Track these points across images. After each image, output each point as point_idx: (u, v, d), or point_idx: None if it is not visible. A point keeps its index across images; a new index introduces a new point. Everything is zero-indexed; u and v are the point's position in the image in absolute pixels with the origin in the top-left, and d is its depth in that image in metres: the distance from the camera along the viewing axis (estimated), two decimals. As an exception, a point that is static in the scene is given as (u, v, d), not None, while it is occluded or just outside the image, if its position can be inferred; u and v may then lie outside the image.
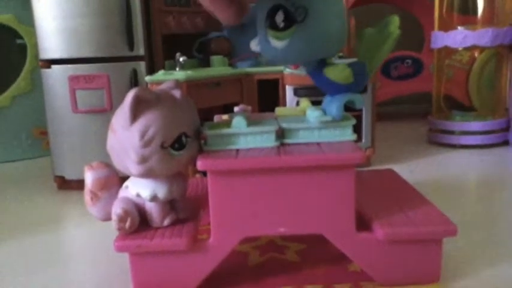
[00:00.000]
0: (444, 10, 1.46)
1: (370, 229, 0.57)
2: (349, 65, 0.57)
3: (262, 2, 0.55)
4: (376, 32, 0.60)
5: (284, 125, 0.59)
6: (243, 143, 0.57)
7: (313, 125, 0.58)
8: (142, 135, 0.55)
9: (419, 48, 1.87)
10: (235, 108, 0.71)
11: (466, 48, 1.37)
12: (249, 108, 0.73)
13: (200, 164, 0.55)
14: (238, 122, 0.58)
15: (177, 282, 0.58)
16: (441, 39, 1.30)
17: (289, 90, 1.24)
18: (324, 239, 0.57)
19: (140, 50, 1.34)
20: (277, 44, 0.53)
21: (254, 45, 0.59)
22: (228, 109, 0.91)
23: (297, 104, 1.16)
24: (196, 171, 0.87)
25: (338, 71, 0.56)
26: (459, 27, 1.39)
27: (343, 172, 0.54)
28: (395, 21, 0.60)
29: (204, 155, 0.56)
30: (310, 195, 0.55)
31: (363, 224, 0.58)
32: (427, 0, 1.76)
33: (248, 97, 1.32)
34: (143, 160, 0.56)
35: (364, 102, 0.59)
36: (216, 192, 0.56)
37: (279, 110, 0.72)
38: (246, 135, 0.57)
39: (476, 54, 1.40)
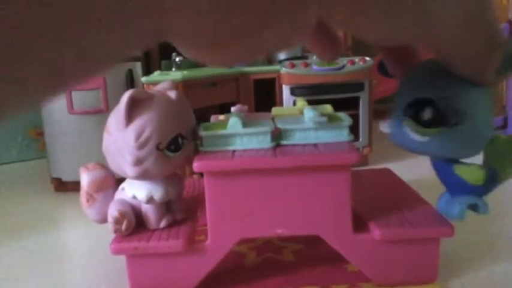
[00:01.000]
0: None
1: (367, 229, 0.57)
2: (483, 167, 0.53)
3: (407, 82, 0.53)
4: (508, 141, 0.54)
5: (280, 126, 0.58)
6: (239, 144, 0.57)
7: (310, 125, 0.58)
8: (138, 136, 0.54)
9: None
10: (233, 108, 0.71)
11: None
12: (246, 107, 0.72)
13: (196, 165, 0.54)
14: (234, 123, 0.57)
15: (174, 284, 0.58)
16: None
17: (286, 90, 1.24)
18: (322, 240, 0.57)
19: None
20: (417, 137, 0.47)
21: (384, 127, 0.56)
22: (224, 109, 0.91)
23: (294, 103, 1.15)
24: (192, 172, 0.87)
25: (471, 171, 0.52)
26: (455, 25, 1.39)
27: (339, 172, 0.53)
28: None
29: (200, 156, 0.56)
30: (307, 196, 0.54)
31: (359, 224, 0.58)
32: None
33: (244, 97, 1.31)
34: (139, 162, 0.55)
35: (488, 209, 0.56)
36: (212, 194, 0.56)
37: (275, 110, 0.71)
38: (242, 136, 0.57)
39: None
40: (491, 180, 0.53)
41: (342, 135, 0.58)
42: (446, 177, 0.55)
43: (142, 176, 0.57)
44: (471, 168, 0.52)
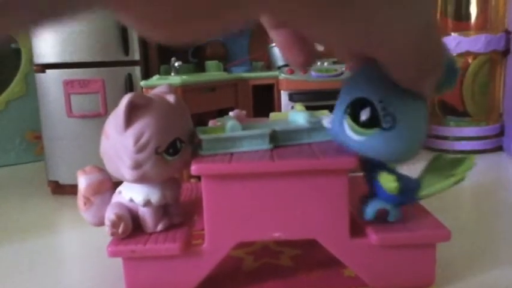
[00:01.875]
0: (438, 15, 1.48)
1: (364, 234, 0.57)
2: (402, 178, 0.54)
3: (351, 82, 0.51)
4: (448, 162, 0.57)
5: (276, 128, 0.59)
6: (238, 147, 0.57)
7: (303, 126, 0.59)
8: (137, 140, 0.54)
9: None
10: (230, 113, 0.71)
11: (460, 54, 1.38)
12: (244, 112, 0.73)
13: (194, 169, 0.55)
14: (233, 126, 0.58)
15: (171, 287, 0.58)
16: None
17: (284, 96, 1.24)
18: (319, 244, 0.57)
19: (135, 55, 1.34)
20: (353, 135, 0.49)
21: (326, 123, 0.55)
22: (222, 114, 0.92)
23: (292, 109, 1.16)
24: (190, 176, 0.87)
25: (387, 180, 0.53)
26: (453, 34, 1.40)
27: (337, 177, 0.54)
28: (469, 164, 0.56)
29: (197, 159, 0.56)
30: (304, 199, 0.55)
31: (356, 229, 0.58)
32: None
33: (243, 102, 1.32)
34: (137, 165, 0.55)
35: (397, 218, 0.57)
36: (210, 197, 0.56)
37: (273, 115, 0.72)
38: (240, 139, 0.57)
39: (470, 60, 1.41)
40: (409, 193, 0.54)
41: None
42: (368, 178, 0.57)
43: (141, 179, 0.57)
44: (389, 177, 0.53)
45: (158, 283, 0.58)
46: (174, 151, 0.56)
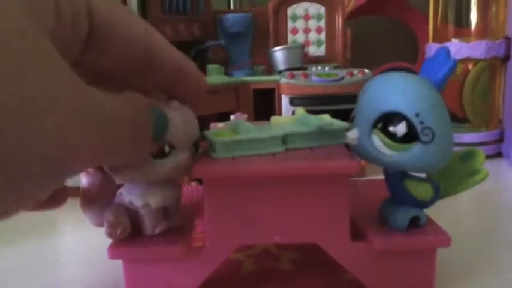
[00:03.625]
0: (439, 22, 1.48)
1: (365, 239, 0.57)
2: (427, 181, 0.54)
3: (374, 93, 0.50)
4: (457, 159, 0.56)
5: (286, 131, 0.58)
6: (253, 149, 0.56)
7: (313, 130, 0.59)
8: None
9: (413, 59, 1.89)
10: (232, 116, 0.71)
11: (460, 60, 1.38)
12: (245, 116, 0.73)
13: (195, 172, 0.54)
14: (246, 128, 0.57)
15: (170, 290, 0.58)
16: (436, 51, 1.32)
17: (285, 100, 1.25)
18: (319, 248, 0.57)
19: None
20: (387, 150, 0.48)
21: (352, 139, 0.53)
22: (223, 118, 0.92)
23: (293, 113, 1.16)
24: (192, 179, 0.87)
25: (421, 189, 0.53)
26: (453, 40, 1.40)
27: (338, 181, 0.54)
28: (480, 156, 0.56)
29: (198, 162, 0.56)
30: (305, 203, 0.55)
31: (357, 233, 0.58)
32: (422, 11, 1.78)
33: (244, 106, 1.32)
34: (122, 166, 0.54)
35: (426, 221, 0.57)
36: (210, 200, 0.56)
37: (274, 119, 0.72)
38: (256, 141, 0.56)
39: (470, 66, 1.41)
40: (435, 196, 0.54)
41: (339, 137, 0.58)
42: (395, 188, 0.56)
43: (128, 180, 0.57)
44: (421, 184, 0.54)
45: (158, 285, 0.58)
46: (159, 155, 0.53)
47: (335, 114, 0.75)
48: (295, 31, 1.51)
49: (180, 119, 0.57)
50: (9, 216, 0.26)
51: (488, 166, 0.56)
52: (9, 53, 0.20)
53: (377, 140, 0.49)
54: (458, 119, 1.45)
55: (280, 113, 1.27)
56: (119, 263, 0.58)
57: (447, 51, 0.56)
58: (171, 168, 0.59)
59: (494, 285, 0.60)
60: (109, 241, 0.58)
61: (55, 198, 0.45)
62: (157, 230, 0.61)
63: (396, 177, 0.55)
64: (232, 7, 2.08)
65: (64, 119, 0.24)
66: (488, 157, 1.32)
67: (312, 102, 1.19)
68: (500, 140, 1.37)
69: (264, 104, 1.33)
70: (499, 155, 1.34)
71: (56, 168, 0.25)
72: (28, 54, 0.22)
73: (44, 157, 0.23)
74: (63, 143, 0.24)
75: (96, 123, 0.27)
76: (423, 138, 0.46)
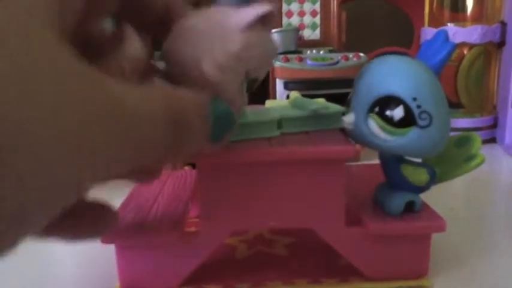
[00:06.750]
0: (434, 6, 1.47)
1: (360, 223, 0.57)
2: (423, 166, 0.54)
3: (371, 77, 0.49)
4: (453, 144, 0.56)
5: (281, 114, 0.58)
6: (248, 134, 0.55)
7: (308, 114, 0.58)
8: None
9: (408, 44, 1.88)
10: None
11: (456, 45, 1.37)
12: (239, 100, 0.71)
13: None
14: (243, 113, 0.56)
15: (164, 275, 0.57)
16: (431, 35, 1.32)
17: (279, 84, 1.23)
18: (314, 233, 0.56)
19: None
20: (384, 135, 0.48)
21: (348, 123, 0.52)
22: (217, 101, 0.90)
23: (287, 97, 1.15)
24: (185, 164, 0.86)
25: (417, 173, 0.53)
26: (449, 24, 1.39)
27: (333, 166, 0.53)
28: (476, 141, 0.56)
29: (193, 146, 0.55)
30: (300, 188, 0.54)
31: (352, 218, 0.57)
32: (418, -4, 1.76)
33: (238, 90, 1.31)
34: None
35: (421, 206, 0.56)
36: (204, 185, 0.55)
37: (269, 103, 0.71)
38: (251, 125, 0.55)
39: (465, 51, 1.40)
40: (431, 181, 0.54)
41: (334, 122, 0.58)
42: (391, 173, 0.56)
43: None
44: (417, 169, 0.53)
45: (151, 270, 0.57)
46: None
47: (330, 99, 0.74)
48: (290, 14, 1.49)
49: None
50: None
51: (482, 152, 0.55)
52: (9, 52, 0.19)
53: (373, 124, 0.48)
54: (452, 104, 1.44)
55: (274, 97, 1.26)
56: (112, 248, 0.57)
57: (446, 35, 0.55)
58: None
59: (487, 269, 0.60)
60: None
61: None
62: None
63: (392, 162, 0.54)
64: (226, -11, 2.05)
65: (72, 122, 0.20)
66: (483, 142, 1.33)
67: (307, 86, 1.17)
68: (494, 125, 1.37)
69: (258, 88, 1.32)
70: (493, 140, 1.35)
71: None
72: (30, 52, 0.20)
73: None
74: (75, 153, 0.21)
75: (115, 121, 0.22)
76: (420, 122, 0.45)
